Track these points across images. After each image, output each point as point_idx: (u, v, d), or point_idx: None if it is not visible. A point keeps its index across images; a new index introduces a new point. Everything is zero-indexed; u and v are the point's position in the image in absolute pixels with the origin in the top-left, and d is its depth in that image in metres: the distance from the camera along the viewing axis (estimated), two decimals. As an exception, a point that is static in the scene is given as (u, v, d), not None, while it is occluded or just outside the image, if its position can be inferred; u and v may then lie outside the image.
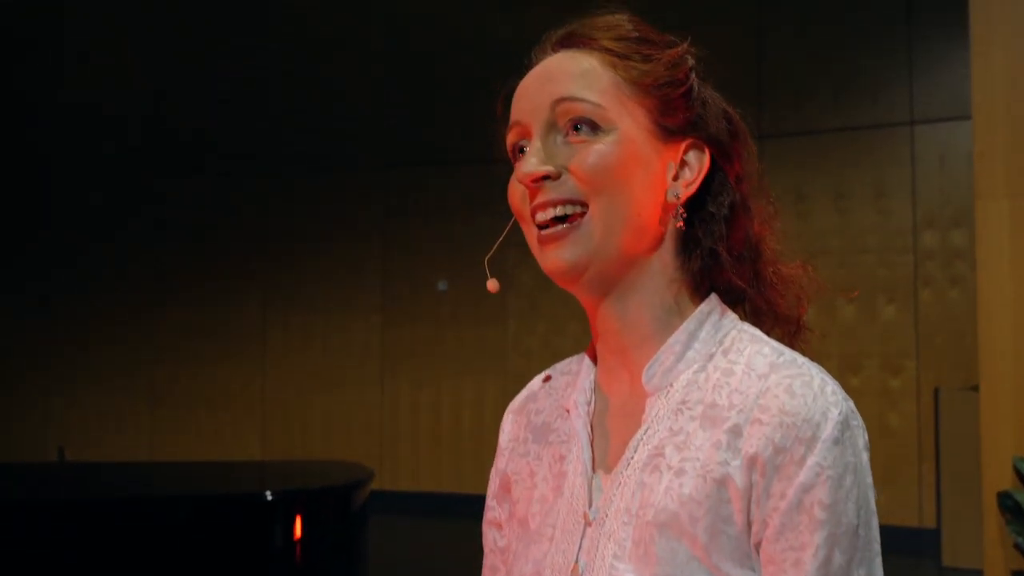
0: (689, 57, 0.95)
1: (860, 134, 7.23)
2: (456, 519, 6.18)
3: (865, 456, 0.80)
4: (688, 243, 0.92)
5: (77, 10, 9.41)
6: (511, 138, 0.94)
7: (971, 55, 4.45)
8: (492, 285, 0.97)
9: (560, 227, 0.87)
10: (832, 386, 0.84)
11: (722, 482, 0.81)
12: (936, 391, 6.56)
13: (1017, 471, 4.11)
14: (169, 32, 9.27)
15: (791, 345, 0.92)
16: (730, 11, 7.60)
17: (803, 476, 0.78)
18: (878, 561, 0.80)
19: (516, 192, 0.91)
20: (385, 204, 8.63)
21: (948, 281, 6.91)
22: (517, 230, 1.01)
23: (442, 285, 8.34)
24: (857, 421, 0.82)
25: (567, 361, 1.01)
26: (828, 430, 0.79)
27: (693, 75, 0.94)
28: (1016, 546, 4.00)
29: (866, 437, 0.83)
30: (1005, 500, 4.10)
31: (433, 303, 8.39)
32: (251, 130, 9.06)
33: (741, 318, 0.94)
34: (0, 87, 9.59)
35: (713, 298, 0.92)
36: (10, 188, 9.72)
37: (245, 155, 9.09)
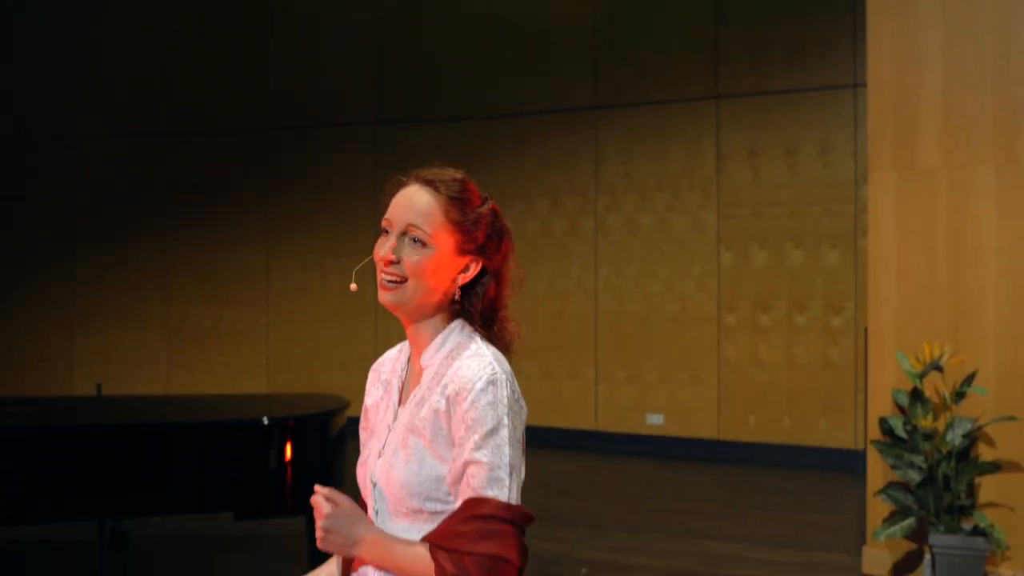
0: (491, 214, 1.66)
1: (808, 95, 7.86)
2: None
3: (505, 399, 1.52)
4: (459, 303, 1.66)
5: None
6: (383, 221, 1.66)
7: (867, 38, 5.10)
8: (352, 287, 1.73)
9: (390, 284, 1.62)
10: (493, 367, 1.55)
11: (436, 410, 1.56)
12: (866, 329, 7.27)
13: (895, 401, 4.88)
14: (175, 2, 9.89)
15: (502, 351, 1.65)
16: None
17: (464, 405, 1.52)
18: (505, 449, 1.50)
19: (377, 248, 1.65)
20: (374, 157, 9.32)
21: (884, 229, 7.58)
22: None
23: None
24: (502, 381, 1.53)
25: (405, 342, 1.76)
26: (479, 385, 1.52)
27: (491, 224, 1.65)
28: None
29: (511, 389, 1.54)
30: (883, 424, 4.88)
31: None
32: (250, 87, 9.73)
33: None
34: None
35: (458, 320, 1.65)
36: (35, 149, 10.42)
37: (246, 111, 9.77)
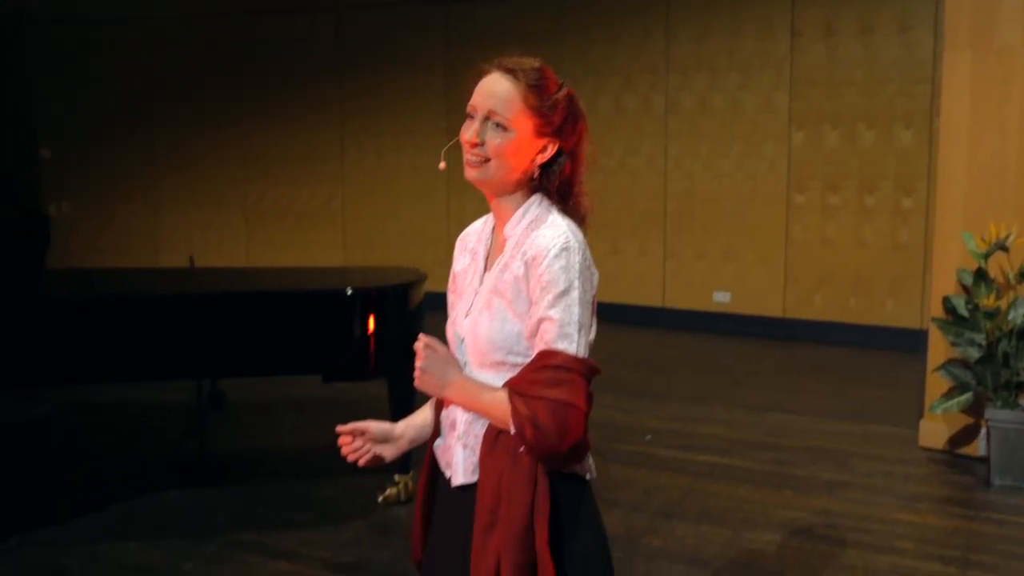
0: (567, 99, 1.79)
1: (888, -31, 7.66)
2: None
3: (577, 264, 1.68)
4: (539, 179, 1.81)
5: None
6: (468, 107, 1.81)
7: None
8: (442, 165, 1.91)
9: (474, 160, 1.78)
10: (567, 235, 1.71)
11: (516, 276, 1.74)
12: (937, 210, 7.25)
13: (959, 280, 4.96)
14: None
15: (578, 223, 1.81)
16: None
17: (540, 268, 1.69)
18: (575, 308, 1.68)
19: (464, 132, 1.81)
20: (444, 36, 9.34)
21: (961, 109, 7.44)
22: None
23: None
24: (574, 248, 1.69)
25: (489, 215, 1.93)
26: (553, 251, 1.68)
27: (567, 109, 1.79)
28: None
29: (583, 256, 1.69)
30: (946, 303, 4.97)
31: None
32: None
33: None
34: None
35: (537, 195, 1.81)
36: (113, 37, 10.65)
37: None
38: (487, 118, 1.76)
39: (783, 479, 4.79)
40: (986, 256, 4.68)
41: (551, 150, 1.79)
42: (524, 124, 1.76)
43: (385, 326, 4.09)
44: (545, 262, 1.69)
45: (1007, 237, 4.65)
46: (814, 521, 4.27)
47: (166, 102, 10.52)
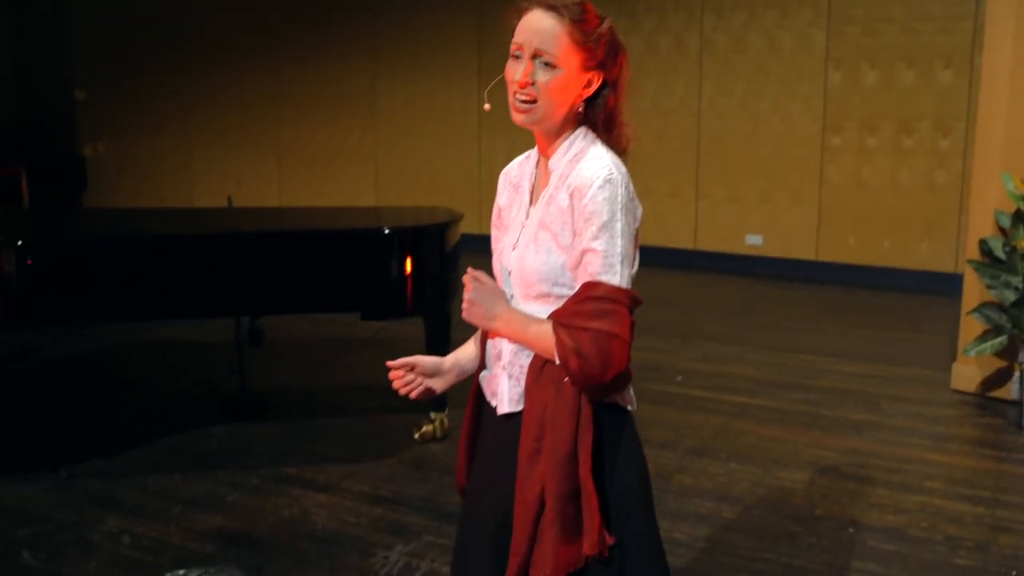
0: (609, 32, 1.80)
1: (930, -97, 7.48)
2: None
3: (621, 197, 1.71)
4: (584, 113, 1.83)
5: None
6: (513, 47, 1.82)
7: None
8: (486, 107, 1.93)
9: (523, 106, 1.80)
10: (611, 168, 1.74)
11: (561, 208, 1.77)
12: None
13: (997, 222, 4.92)
14: None
15: (620, 155, 1.83)
16: None
17: (584, 200, 1.72)
18: (618, 240, 1.71)
19: (510, 71, 1.83)
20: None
21: (1003, 48, 7.29)
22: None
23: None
24: (618, 181, 1.72)
25: (533, 149, 1.96)
26: (597, 183, 1.71)
27: (609, 42, 1.80)
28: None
29: (626, 188, 1.72)
30: (983, 245, 4.94)
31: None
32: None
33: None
34: None
35: (582, 128, 1.83)
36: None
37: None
38: (534, 57, 1.77)
39: (813, 419, 4.83)
40: (1025, 197, 4.64)
41: (595, 83, 1.80)
42: (570, 60, 1.76)
43: (422, 265, 4.14)
44: (589, 194, 1.71)
45: (1047, 178, 4.60)
46: (843, 461, 4.32)
47: (200, 44, 10.55)
